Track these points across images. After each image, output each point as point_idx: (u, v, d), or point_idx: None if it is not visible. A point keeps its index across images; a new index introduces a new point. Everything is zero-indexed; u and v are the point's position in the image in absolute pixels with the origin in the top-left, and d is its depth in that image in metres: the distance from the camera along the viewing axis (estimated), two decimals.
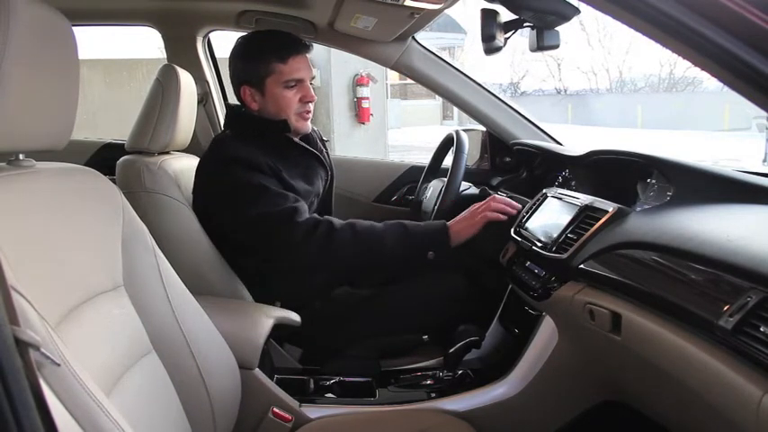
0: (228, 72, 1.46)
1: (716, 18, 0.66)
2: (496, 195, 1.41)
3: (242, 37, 1.47)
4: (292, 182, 1.37)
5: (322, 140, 1.60)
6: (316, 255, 1.28)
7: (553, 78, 21.33)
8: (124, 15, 1.97)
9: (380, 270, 1.40)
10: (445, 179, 1.55)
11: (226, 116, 1.54)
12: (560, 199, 1.26)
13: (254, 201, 1.29)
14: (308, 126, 1.46)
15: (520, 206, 1.38)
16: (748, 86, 0.67)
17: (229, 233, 1.36)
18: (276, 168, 1.35)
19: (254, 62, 1.40)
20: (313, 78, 1.46)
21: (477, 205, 1.37)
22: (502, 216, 1.34)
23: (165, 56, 1.98)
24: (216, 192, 1.35)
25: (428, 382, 1.35)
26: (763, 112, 1.21)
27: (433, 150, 1.86)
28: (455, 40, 17.24)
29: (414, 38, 1.79)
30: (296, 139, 1.44)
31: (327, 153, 1.61)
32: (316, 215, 1.32)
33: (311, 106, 1.44)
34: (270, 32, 1.48)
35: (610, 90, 21.43)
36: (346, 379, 1.33)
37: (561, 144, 1.79)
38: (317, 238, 1.27)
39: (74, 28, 0.82)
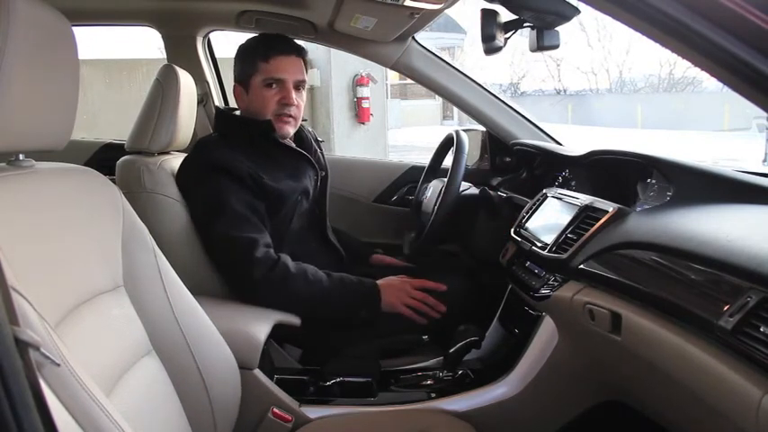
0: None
1: (716, 18, 0.66)
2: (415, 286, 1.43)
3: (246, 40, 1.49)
4: (275, 184, 1.37)
5: (317, 141, 1.61)
6: (267, 295, 1.31)
7: (553, 79, 21.31)
8: (124, 15, 1.97)
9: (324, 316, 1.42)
10: (445, 179, 1.55)
11: (214, 118, 1.55)
12: (560, 199, 1.26)
13: (218, 217, 1.31)
14: (288, 130, 1.44)
15: (439, 313, 1.42)
16: (748, 86, 0.67)
17: None
18: (257, 175, 1.35)
19: (245, 61, 1.44)
20: (302, 83, 1.45)
21: (410, 285, 1.41)
22: (421, 319, 1.41)
23: (165, 56, 1.98)
24: (191, 197, 1.36)
25: (428, 382, 1.34)
26: (763, 112, 1.21)
27: (433, 150, 1.86)
28: (455, 40, 17.21)
29: (414, 38, 1.79)
30: (281, 140, 1.44)
31: (322, 154, 1.61)
32: (271, 252, 1.32)
33: (293, 110, 1.43)
34: (266, 34, 1.49)
35: (610, 90, 21.36)
36: (346, 379, 1.32)
37: (561, 144, 1.79)
38: (273, 280, 1.30)
39: (74, 28, 0.82)
